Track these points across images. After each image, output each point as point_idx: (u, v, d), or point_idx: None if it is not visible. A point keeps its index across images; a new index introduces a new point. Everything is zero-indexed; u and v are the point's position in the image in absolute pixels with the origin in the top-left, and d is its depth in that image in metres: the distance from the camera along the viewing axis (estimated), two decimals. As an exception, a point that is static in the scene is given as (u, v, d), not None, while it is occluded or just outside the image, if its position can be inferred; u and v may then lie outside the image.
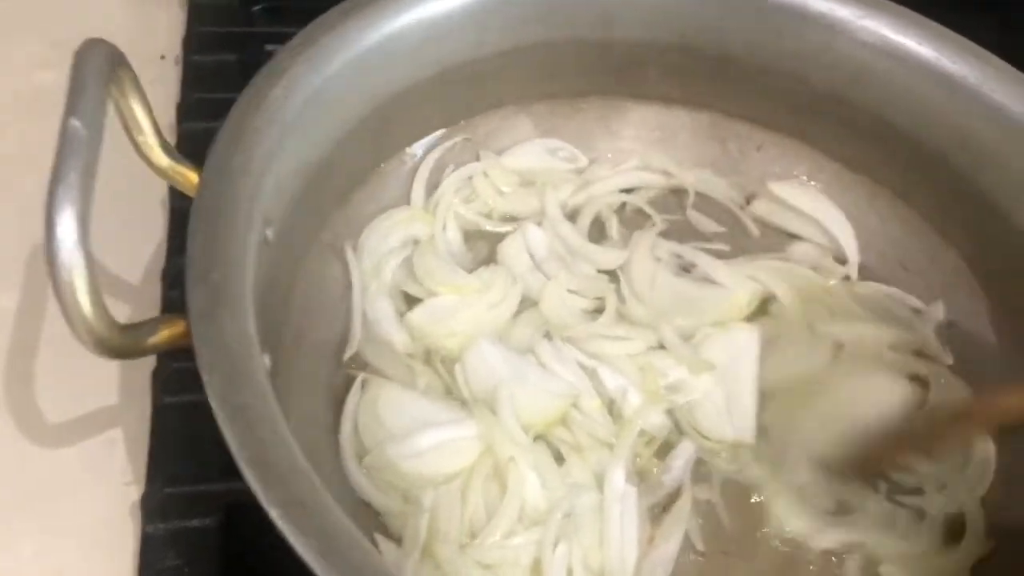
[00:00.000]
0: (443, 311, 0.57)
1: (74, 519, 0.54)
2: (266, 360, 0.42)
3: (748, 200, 0.68)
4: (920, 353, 0.60)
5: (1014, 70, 0.57)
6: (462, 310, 0.57)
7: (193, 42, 0.75)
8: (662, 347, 0.57)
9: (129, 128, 0.43)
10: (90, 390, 0.59)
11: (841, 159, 0.66)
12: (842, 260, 0.65)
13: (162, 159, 0.44)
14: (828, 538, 0.52)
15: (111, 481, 0.55)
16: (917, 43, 0.58)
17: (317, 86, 0.51)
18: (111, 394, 0.59)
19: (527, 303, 0.58)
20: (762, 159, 0.68)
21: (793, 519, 0.52)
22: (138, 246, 0.65)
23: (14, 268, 0.63)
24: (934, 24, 0.59)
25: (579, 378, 0.54)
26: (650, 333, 0.57)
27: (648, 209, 0.65)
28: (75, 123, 0.35)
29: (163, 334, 0.39)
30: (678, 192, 0.67)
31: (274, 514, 0.34)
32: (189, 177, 0.44)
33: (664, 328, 0.57)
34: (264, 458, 0.36)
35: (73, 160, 0.34)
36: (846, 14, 0.59)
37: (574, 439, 0.53)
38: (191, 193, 0.44)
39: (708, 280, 0.61)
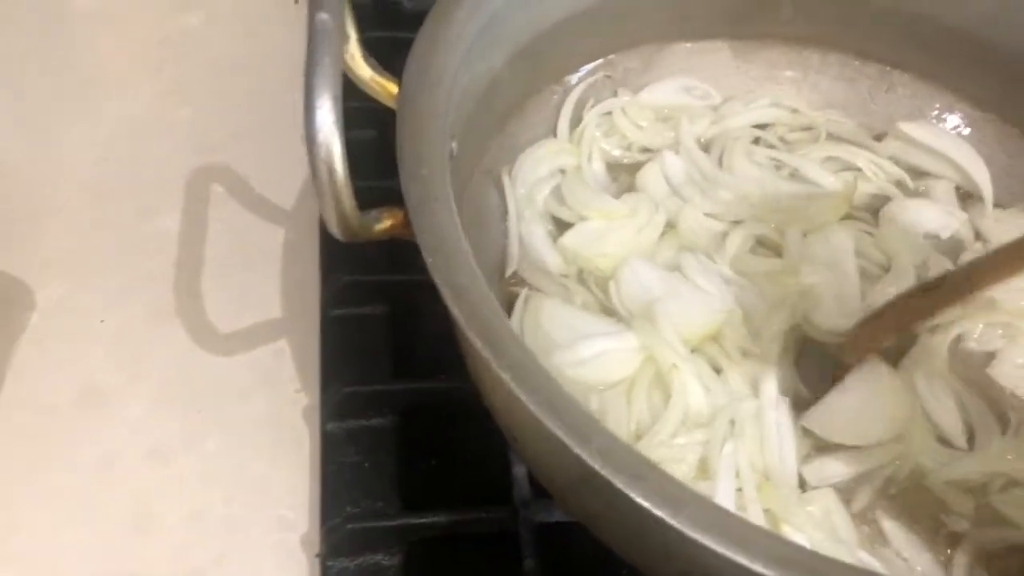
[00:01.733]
0: (593, 234, 0.59)
1: (250, 422, 0.57)
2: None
3: (878, 139, 0.69)
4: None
5: None
6: (611, 233, 0.59)
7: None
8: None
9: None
10: (256, 305, 0.62)
11: (971, 98, 0.67)
12: (976, 196, 0.66)
13: (364, 69, 0.47)
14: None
15: (282, 389, 0.59)
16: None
17: (494, 9, 0.54)
18: (276, 308, 0.62)
19: (668, 227, 0.61)
20: (891, 99, 0.69)
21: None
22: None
23: (172, 193, 0.67)
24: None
25: (727, 293, 0.57)
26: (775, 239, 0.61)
27: (779, 144, 0.67)
28: (323, 16, 0.38)
29: (387, 222, 0.42)
30: (809, 130, 0.69)
31: (506, 377, 0.37)
32: (388, 87, 0.47)
33: (788, 235, 0.60)
34: (489, 330, 0.39)
35: (325, 48, 0.37)
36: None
37: (725, 352, 0.55)
38: (388, 103, 0.47)
39: (807, 180, 0.64)
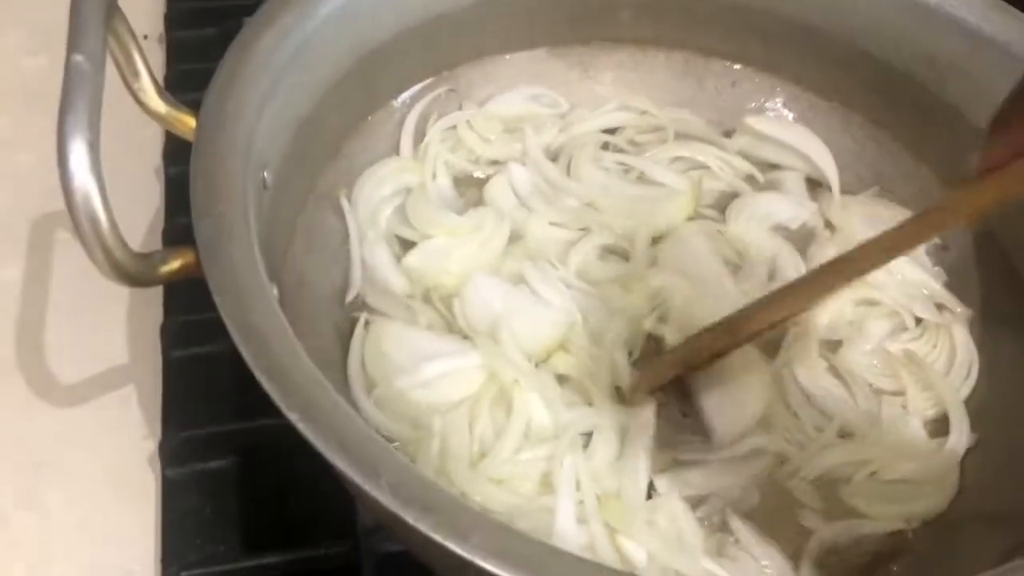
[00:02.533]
0: (438, 252, 0.59)
1: (96, 473, 0.56)
2: (275, 289, 0.44)
3: (728, 135, 0.69)
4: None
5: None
6: (455, 249, 0.58)
7: (174, 20, 0.77)
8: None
9: (125, 75, 0.44)
10: (100, 352, 0.61)
11: (814, 88, 0.68)
12: (824, 184, 0.66)
13: (159, 105, 0.46)
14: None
15: (128, 435, 0.57)
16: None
17: (305, 35, 0.53)
18: (122, 354, 0.61)
19: (515, 238, 0.60)
20: (738, 94, 0.70)
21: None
22: (137, 213, 0.67)
23: (16, 242, 0.65)
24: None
25: (571, 303, 0.56)
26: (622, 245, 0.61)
27: (628, 148, 0.67)
28: (78, 58, 0.36)
29: (174, 263, 0.41)
30: (659, 131, 0.69)
31: (293, 418, 0.36)
32: (186, 121, 0.46)
33: (636, 240, 0.60)
34: (280, 368, 0.38)
35: (79, 92, 0.36)
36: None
37: (574, 363, 0.55)
38: (188, 137, 0.46)
39: (654, 182, 0.65)
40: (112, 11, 0.40)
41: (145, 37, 0.78)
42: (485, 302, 0.56)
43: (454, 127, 0.65)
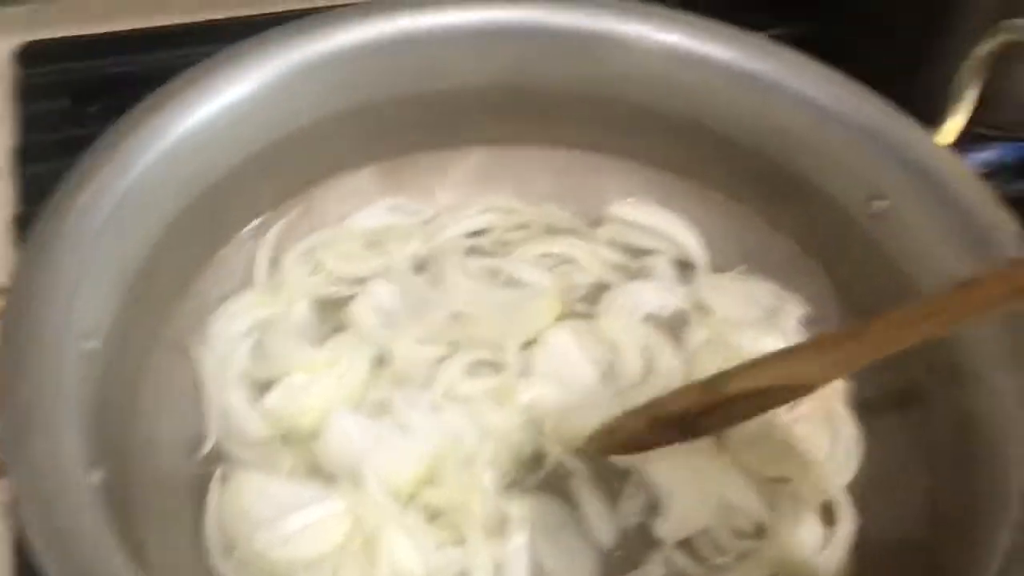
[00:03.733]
0: (296, 390, 0.56)
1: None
2: (96, 476, 0.41)
3: (596, 225, 0.68)
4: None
5: (807, 59, 0.60)
6: (313, 385, 0.56)
7: (28, 152, 0.73)
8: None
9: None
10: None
11: (670, 169, 0.67)
12: (692, 266, 0.66)
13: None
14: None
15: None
16: (714, 47, 0.61)
17: (128, 186, 0.51)
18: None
19: (382, 361, 0.58)
20: (600, 183, 0.68)
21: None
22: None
23: None
24: (726, 26, 0.61)
25: (440, 428, 0.54)
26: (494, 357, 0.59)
27: (497, 249, 0.66)
28: None
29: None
30: (526, 228, 0.67)
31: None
32: (-4, 303, 0.43)
33: (506, 349, 0.59)
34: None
35: None
36: (641, 30, 0.61)
37: (445, 494, 0.52)
38: None
39: (521, 284, 0.63)
40: None
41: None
42: (346, 440, 0.53)
43: (311, 249, 0.63)
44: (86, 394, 0.44)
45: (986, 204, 0.54)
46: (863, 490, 0.55)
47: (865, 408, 0.58)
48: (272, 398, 0.56)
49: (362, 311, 0.61)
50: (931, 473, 0.53)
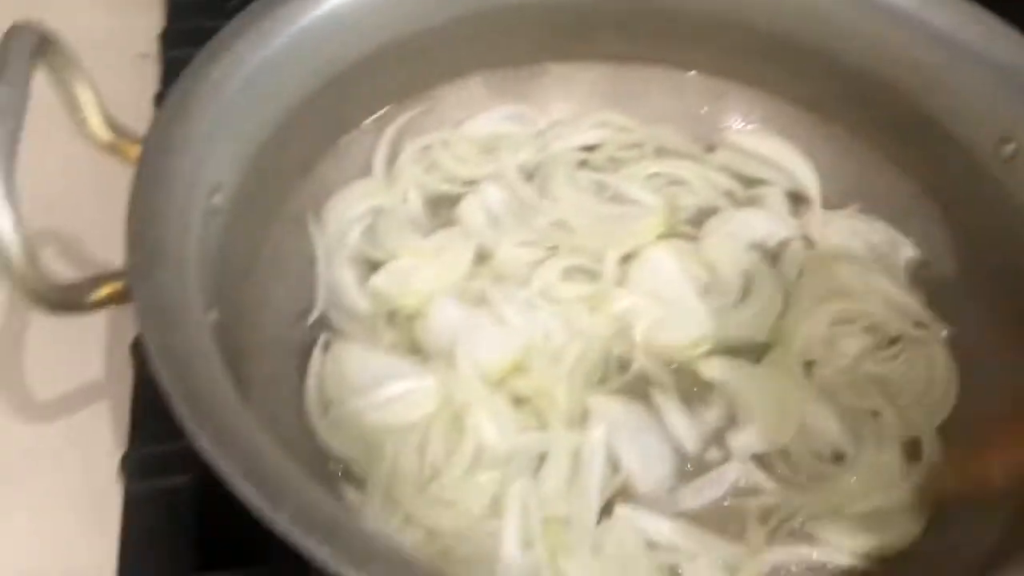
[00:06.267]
0: (403, 273, 0.59)
1: (64, 489, 0.56)
2: (213, 315, 0.44)
3: (710, 150, 0.68)
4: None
5: (949, -7, 0.58)
6: (420, 271, 0.58)
7: (170, 39, 0.78)
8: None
9: (71, 107, 0.45)
10: (74, 369, 0.61)
11: (795, 101, 0.66)
12: (805, 199, 0.65)
13: (104, 135, 0.46)
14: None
15: (98, 451, 0.58)
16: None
17: (260, 63, 0.53)
18: (95, 371, 0.62)
19: (483, 258, 0.60)
20: (720, 109, 0.68)
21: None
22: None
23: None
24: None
25: (533, 323, 0.56)
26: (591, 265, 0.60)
27: (607, 165, 0.67)
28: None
29: (103, 291, 0.41)
30: (638, 147, 0.68)
31: (201, 442, 0.36)
32: (131, 151, 0.47)
33: (605, 259, 0.59)
34: (195, 394, 0.38)
35: (-4, 124, 0.37)
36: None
37: (532, 384, 0.54)
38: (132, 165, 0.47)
39: (628, 200, 0.63)
40: (45, 46, 0.41)
41: (142, 56, 0.79)
42: (445, 323, 0.56)
43: (428, 147, 0.65)
44: (208, 246, 0.47)
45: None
46: (951, 432, 0.54)
47: (962, 351, 0.57)
48: (378, 278, 0.59)
49: (470, 209, 0.63)
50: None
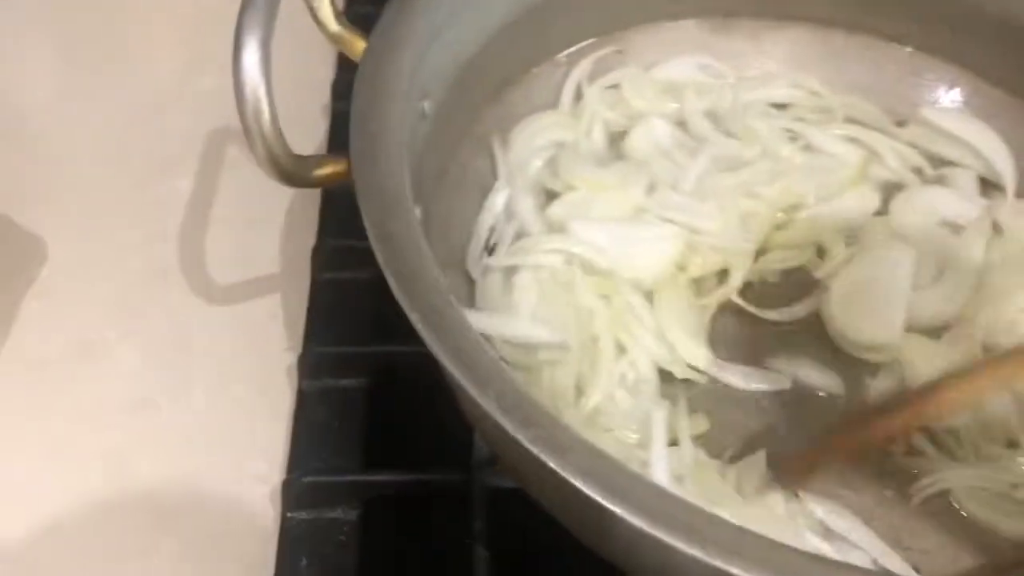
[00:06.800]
0: (579, 204, 0.59)
1: (239, 377, 0.59)
2: (418, 211, 0.45)
3: (901, 125, 0.66)
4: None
5: None
6: (596, 202, 0.59)
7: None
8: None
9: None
10: (255, 265, 0.64)
11: (999, 82, 0.64)
12: (998, 184, 0.63)
13: (333, 25, 0.48)
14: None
15: (272, 345, 0.60)
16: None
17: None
18: (274, 270, 0.64)
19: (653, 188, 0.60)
20: (917, 84, 0.66)
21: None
22: (299, 145, 0.70)
23: (189, 156, 0.70)
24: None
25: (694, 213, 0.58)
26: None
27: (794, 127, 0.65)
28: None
29: (328, 168, 0.43)
30: (827, 113, 0.66)
31: (414, 319, 0.37)
32: (356, 44, 0.48)
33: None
34: (409, 274, 0.39)
35: (258, -6, 0.38)
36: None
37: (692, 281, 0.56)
38: (357, 59, 0.48)
39: (822, 152, 0.63)
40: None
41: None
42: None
43: (615, 86, 0.65)
44: (414, 150, 0.49)
45: None
46: None
47: None
48: (556, 207, 0.59)
49: (641, 141, 0.63)
50: None
